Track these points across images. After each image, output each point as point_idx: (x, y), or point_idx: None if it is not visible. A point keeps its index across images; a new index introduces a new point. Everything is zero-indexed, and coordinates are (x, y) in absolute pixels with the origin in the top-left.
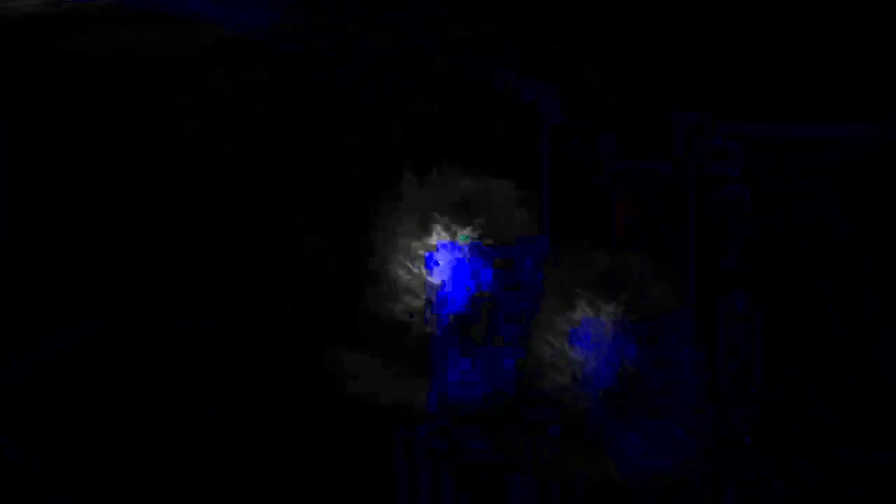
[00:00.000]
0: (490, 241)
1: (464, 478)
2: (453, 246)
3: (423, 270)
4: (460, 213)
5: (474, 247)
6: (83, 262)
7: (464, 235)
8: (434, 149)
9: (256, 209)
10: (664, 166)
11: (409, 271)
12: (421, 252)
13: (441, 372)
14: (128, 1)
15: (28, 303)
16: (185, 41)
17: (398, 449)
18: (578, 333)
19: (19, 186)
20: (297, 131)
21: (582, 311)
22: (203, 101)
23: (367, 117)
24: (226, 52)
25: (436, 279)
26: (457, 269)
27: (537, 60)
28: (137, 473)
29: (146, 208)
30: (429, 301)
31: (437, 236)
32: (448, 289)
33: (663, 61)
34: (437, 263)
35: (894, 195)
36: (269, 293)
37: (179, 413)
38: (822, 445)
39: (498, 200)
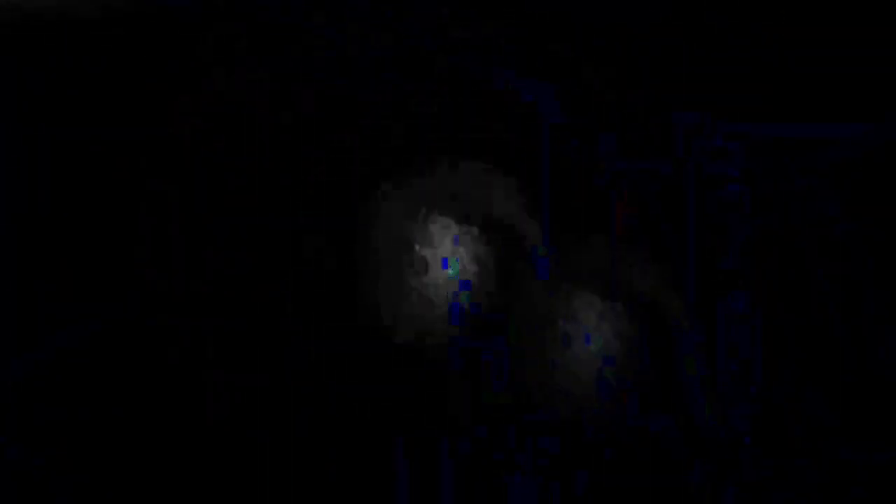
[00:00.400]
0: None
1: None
2: (455, 249)
3: (430, 273)
4: (461, 213)
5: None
6: (83, 263)
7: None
8: (434, 149)
9: (256, 209)
10: (664, 166)
11: (414, 273)
12: (425, 255)
13: (470, 377)
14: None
15: (28, 303)
16: (185, 41)
17: (398, 450)
18: (579, 333)
19: (19, 186)
20: (297, 131)
21: (582, 311)
22: (203, 101)
23: (367, 117)
24: (226, 52)
25: (445, 282)
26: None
27: (537, 60)
28: (137, 474)
29: (146, 208)
30: (443, 304)
31: (440, 239)
32: (459, 294)
33: (663, 61)
34: (444, 267)
35: (894, 195)
36: (269, 293)
37: (179, 413)
38: (822, 445)
39: (498, 199)
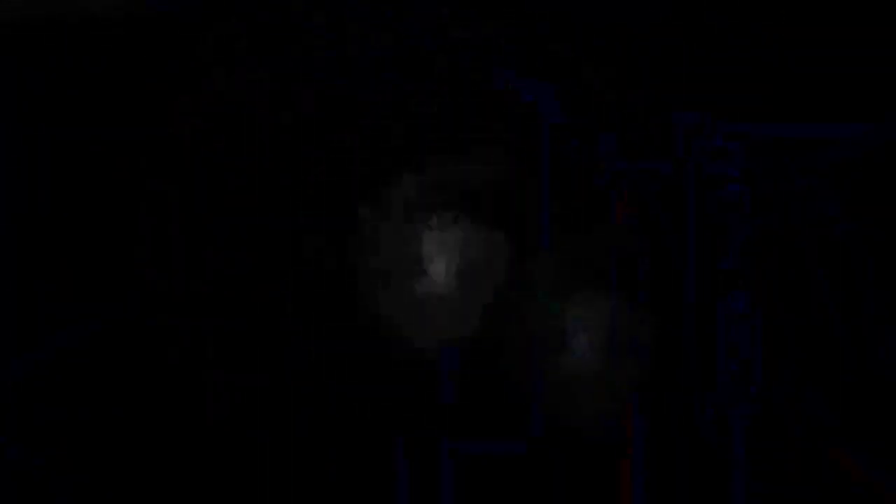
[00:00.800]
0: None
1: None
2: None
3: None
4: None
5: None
6: (83, 262)
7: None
8: (434, 149)
9: (256, 209)
10: (664, 166)
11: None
12: (429, 253)
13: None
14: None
15: (28, 303)
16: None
17: (398, 450)
18: (577, 329)
19: (19, 186)
20: (297, 131)
21: (581, 309)
22: (203, 101)
23: (367, 117)
24: (226, 52)
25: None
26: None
27: (537, 60)
28: (137, 473)
29: (146, 208)
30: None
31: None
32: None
33: (663, 61)
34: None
35: (894, 195)
36: (269, 293)
37: (179, 413)
38: (822, 445)
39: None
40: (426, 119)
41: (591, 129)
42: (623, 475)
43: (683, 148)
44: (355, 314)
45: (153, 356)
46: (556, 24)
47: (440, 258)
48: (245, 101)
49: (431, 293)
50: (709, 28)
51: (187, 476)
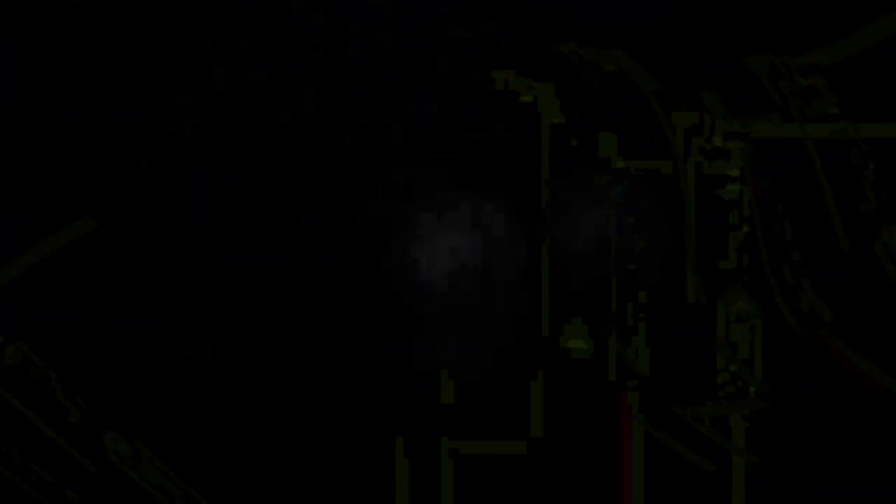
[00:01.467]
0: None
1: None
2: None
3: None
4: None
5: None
6: (83, 262)
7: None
8: (434, 149)
9: (256, 209)
10: (664, 166)
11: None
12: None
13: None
14: None
15: (27, 302)
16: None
17: (398, 450)
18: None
19: (20, 186)
20: (297, 131)
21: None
22: (203, 101)
23: (367, 117)
24: (226, 52)
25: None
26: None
27: (537, 60)
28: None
29: (146, 208)
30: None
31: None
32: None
33: (663, 61)
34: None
35: None
36: (269, 293)
37: (179, 413)
38: (822, 445)
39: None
40: (426, 119)
41: (591, 129)
42: (623, 474)
43: (683, 148)
44: (355, 314)
45: (153, 356)
46: (556, 24)
47: (440, 258)
48: (245, 101)
49: (432, 293)
50: (709, 28)
51: (187, 475)
